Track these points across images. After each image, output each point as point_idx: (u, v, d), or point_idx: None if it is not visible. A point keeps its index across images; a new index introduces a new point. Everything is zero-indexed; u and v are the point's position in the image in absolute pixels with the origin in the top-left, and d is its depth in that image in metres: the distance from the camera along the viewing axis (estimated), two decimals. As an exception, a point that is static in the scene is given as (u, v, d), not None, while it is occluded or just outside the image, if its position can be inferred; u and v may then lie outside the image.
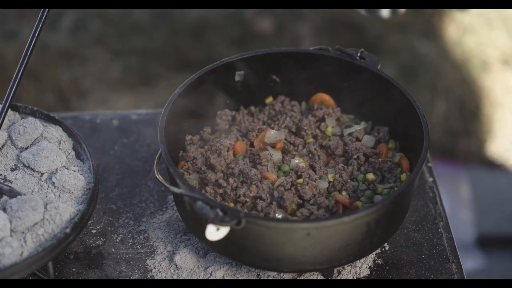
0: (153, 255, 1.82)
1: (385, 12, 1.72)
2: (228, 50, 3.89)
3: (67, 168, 1.80)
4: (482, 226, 3.30)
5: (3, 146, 1.83)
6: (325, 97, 1.99)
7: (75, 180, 1.76)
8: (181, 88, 1.84)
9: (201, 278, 1.75)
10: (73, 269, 1.79)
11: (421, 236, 1.86)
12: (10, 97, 1.78)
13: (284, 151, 1.89)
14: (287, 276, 1.76)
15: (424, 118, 1.76)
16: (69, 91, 3.80)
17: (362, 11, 1.76)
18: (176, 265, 1.78)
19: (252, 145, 1.90)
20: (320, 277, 1.76)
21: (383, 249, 1.83)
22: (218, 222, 1.53)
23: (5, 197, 1.72)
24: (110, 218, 1.90)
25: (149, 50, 3.96)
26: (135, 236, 1.86)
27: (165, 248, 1.82)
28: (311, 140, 1.91)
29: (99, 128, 2.15)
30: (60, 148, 1.83)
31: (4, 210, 1.67)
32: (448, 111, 3.69)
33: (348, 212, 1.72)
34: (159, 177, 1.71)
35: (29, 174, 1.78)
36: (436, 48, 3.99)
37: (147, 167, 2.03)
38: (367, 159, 1.86)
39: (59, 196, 1.74)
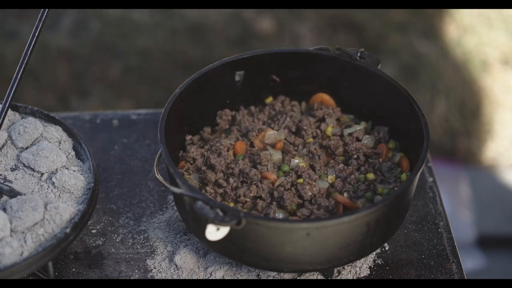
0: (153, 255, 1.82)
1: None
2: (228, 50, 3.89)
3: (67, 168, 1.80)
4: (482, 226, 3.30)
5: (3, 146, 1.83)
6: (325, 97, 1.99)
7: (75, 180, 1.76)
8: (181, 88, 1.84)
9: (201, 278, 1.75)
10: (73, 269, 1.79)
11: (421, 236, 1.86)
12: (10, 97, 1.78)
13: (284, 151, 1.89)
14: (287, 276, 1.76)
15: (424, 118, 1.76)
16: (69, 91, 3.81)
17: None
18: (176, 265, 1.78)
19: (252, 145, 1.90)
20: (320, 277, 1.76)
21: (383, 249, 1.83)
22: (218, 222, 1.53)
23: (5, 197, 1.72)
24: (110, 218, 1.90)
25: (149, 50, 3.96)
26: (135, 236, 1.86)
27: (165, 248, 1.82)
28: (311, 140, 1.91)
29: (99, 128, 2.15)
30: (60, 148, 1.83)
31: (4, 210, 1.67)
32: (448, 111, 3.69)
33: (348, 212, 1.72)
34: (159, 177, 1.71)
35: (29, 174, 1.78)
36: (436, 48, 3.99)
37: (147, 167, 2.03)
38: (367, 159, 1.86)
39: (59, 196, 1.74)
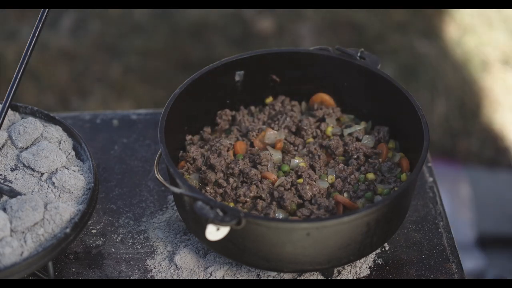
0: (153, 255, 1.82)
1: None
2: (228, 50, 3.89)
3: (67, 168, 1.80)
4: (482, 226, 3.30)
5: (3, 146, 1.83)
6: (325, 97, 1.99)
7: (75, 180, 1.76)
8: (181, 88, 1.84)
9: (201, 278, 1.75)
10: (73, 269, 1.79)
11: (421, 236, 1.86)
12: (10, 97, 1.78)
13: (284, 151, 1.89)
14: (287, 276, 1.76)
15: (424, 118, 1.76)
16: (69, 91, 3.81)
17: None
18: (176, 265, 1.78)
19: (252, 145, 1.90)
20: (320, 277, 1.76)
21: (383, 249, 1.83)
22: (218, 222, 1.53)
23: (5, 197, 1.72)
24: (110, 218, 1.90)
25: (149, 50, 3.96)
26: (135, 236, 1.86)
27: (165, 248, 1.82)
28: (311, 140, 1.91)
29: (99, 128, 2.15)
30: (60, 148, 1.83)
31: (4, 210, 1.67)
32: (448, 111, 3.69)
33: (348, 212, 1.72)
34: (159, 177, 1.71)
35: (29, 174, 1.78)
36: (436, 48, 3.99)
37: (147, 167, 2.03)
38: (367, 159, 1.86)
39: (59, 196, 1.74)
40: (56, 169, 1.79)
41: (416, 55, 3.94)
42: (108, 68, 3.90)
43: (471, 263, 3.17)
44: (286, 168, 1.83)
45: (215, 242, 1.59)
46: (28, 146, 1.83)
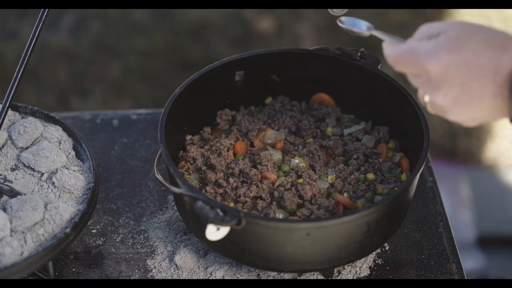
0: (153, 255, 1.82)
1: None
2: (228, 50, 3.89)
3: (67, 168, 1.80)
4: (482, 226, 3.30)
5: (3, 146, 1.83)
6: (325, 97, 1.99)
7: (75, 180, 1.76)
8: (181, 88, 1.84)
9: (201, 278, 1.75)
10: (73, 269, 1.79)
11: (421, 236, 1.86)
12: (10, 97, 1.78)
13: (284, 151, 1.89)
14: (287, 276, 1.76)
15: (424, 118, 1.76)
16: (69, 91, 3.81)
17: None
18: (176, 265, 1.78)
19: (252, 145, 1.90)
20: (320, 277, 1.76)
21: (383, 249, 1.83)
22: (218, 222, 1.53)
23: (5, 197, 1.72)
24: (110, 218, 1.90)
25: (149, 50, 3.96)
26: (135, 236, 1.86)
27: (165, 248, 1.82)
28: (311, 140, 1.91)
29: (99, 128, 2.15)
30: (60, 148, 1.83)
31: (4, 210, 1.67)
32: (448, 111, 3.69)
33: (348, 212, 1.72)
34: (159, 177, 1.71)
35: (29, 174, 1.78)
36: (436, 48, 3.98)
37: (147, 167, 2.03)
38: (367, 159, 1.86)
39: (59, 196, 1.74)
40: (56, 169, 1.79)
41: (416, 55, 3.93)
42: (108, 68, 3.90)
43: (471, 263, 3.17)
44: (286, 168, 1.83)
45: (215, 242, 1.59)
46: (28, 146, 1.83)
